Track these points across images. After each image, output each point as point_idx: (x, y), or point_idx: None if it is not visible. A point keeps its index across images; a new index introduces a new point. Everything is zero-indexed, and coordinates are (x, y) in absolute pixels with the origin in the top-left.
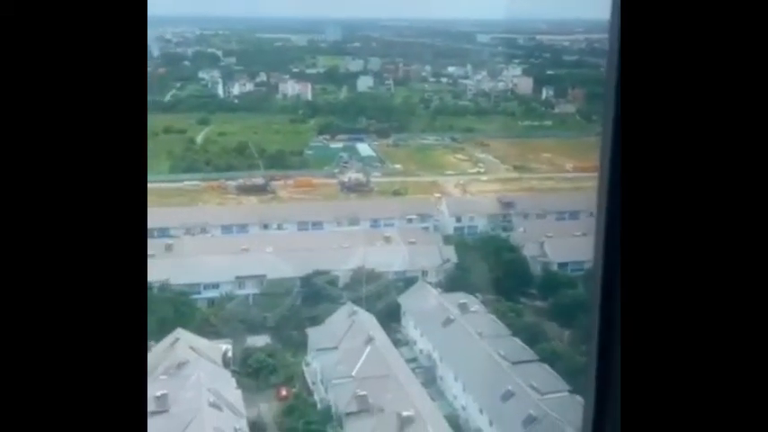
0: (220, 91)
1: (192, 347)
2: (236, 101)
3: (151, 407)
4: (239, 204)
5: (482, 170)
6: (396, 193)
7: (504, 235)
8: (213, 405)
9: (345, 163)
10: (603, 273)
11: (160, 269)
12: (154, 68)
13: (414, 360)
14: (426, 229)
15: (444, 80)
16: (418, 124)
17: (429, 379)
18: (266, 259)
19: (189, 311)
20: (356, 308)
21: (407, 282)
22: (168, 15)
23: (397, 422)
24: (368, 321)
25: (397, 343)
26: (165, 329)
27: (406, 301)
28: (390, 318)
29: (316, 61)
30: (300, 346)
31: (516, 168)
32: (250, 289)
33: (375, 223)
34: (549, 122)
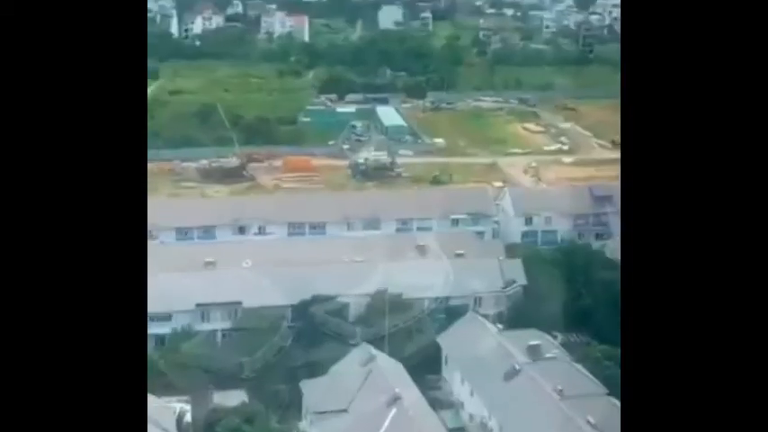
0: (174, 28)
1: None
2: (197, 43)
3: None
4: (202, 197)
5: (565, 147)
6: (435, 182)
7: (596, 244)
8: None
9: (360, 136)
10: None
11: None
12: None
13: (461, 430)
14: (480, 234)
15: (509, 12)
16: (469, 78)
17: None
18: (242, 278)
19: None
20: (375, 351)
21: (452, 314)
22: None
23: None
24: (392, 371)
25: (437, 404)
26: None
27: (449, 341)
28: (426, 367)
29: None
30: (292, 408)
31: (616, 145)
32: (218, 322)
33: (404, 226)
34: None
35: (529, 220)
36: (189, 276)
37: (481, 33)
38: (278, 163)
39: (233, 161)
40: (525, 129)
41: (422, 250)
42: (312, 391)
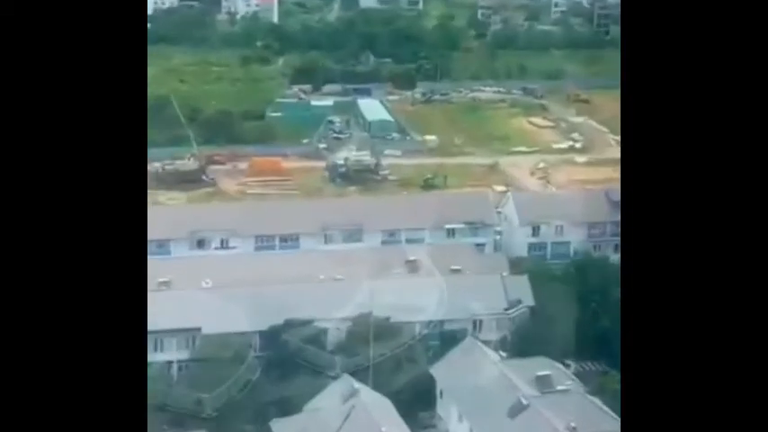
0: None
1: None
2: (148, 25)
3: None
4: (154, 204)
5: (578, 144)
6: (427, 186)
7: (614, 258)
8: None
9: (339, 133)
10: None
11: None
12: None
13: None
14: (480, 247)
15: None
16: (466, 65)
17: None
18: (201, 300)
19: None
20: (358, 384)
21: (447, 340)
22: None
23: None
24: (378, 408)
25: None
26: None
27: (444, 372)
28: (418, 402)
29: None
30: None
31: None
32: (172, 352)
33: (391, 237)
34: None
35: (536, 230)
36: None
37: (480, 12)
38: (243, 165)
39: (190, 163)
40: (531, 123)
41: (412, 266)
42: (285, 431)
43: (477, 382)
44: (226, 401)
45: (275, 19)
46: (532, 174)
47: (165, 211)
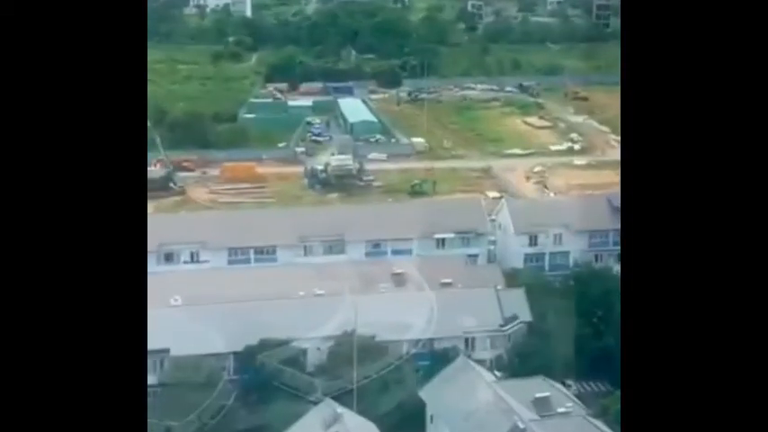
0: None
1: None
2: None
3: None
4: None
5: (577, 146)
6: (415, 192)
7: (617, 269)
8: None
9: (318, 136)
10: None
11: None
12: None
13: None
14: (473, 258)
15: None
16: (456, 61)
17: None
18: (169, 319)
19: None
20: (341, 409)
21: (438, 359)
22: None
23: None
24: None
25: None
26: None
27: (434, 395)
28: (406, 427)
29: None
30: None
31: None
32: None
33: (376, 249)
34: None
35: (533, 240)
36: None
37: (470, 4)
38: (214, 171)
39: (157, 170)
40: (527, 124)
41: (399, 279)
42: None
43: (470, 405)
44: (197, 429)
45: (248, 12)
46: (528, 178)
47: None
